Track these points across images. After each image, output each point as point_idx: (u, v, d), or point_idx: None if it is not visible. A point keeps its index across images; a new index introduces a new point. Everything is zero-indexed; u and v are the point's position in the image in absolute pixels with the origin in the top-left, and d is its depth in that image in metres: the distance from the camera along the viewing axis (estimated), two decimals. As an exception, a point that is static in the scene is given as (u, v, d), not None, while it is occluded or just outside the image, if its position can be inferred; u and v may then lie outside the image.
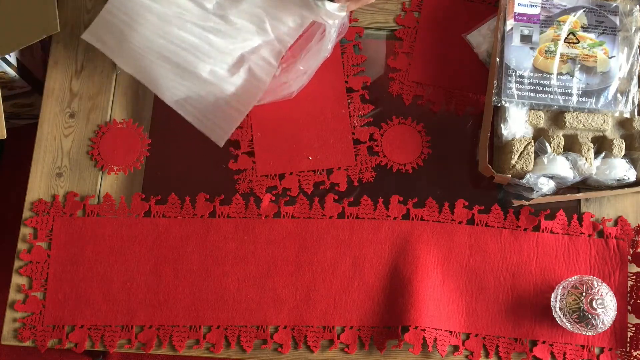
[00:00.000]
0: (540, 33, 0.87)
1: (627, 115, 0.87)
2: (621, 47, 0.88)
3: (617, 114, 0.87)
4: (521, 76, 0.86)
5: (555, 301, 0.81)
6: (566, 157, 0.84)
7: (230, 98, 0.83)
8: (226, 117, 0.83)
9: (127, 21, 0.80)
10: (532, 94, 0.86)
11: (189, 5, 0.80)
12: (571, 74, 0.87)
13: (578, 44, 0.88)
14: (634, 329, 0.83)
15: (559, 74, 0.86)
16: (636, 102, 0.87)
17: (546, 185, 0.83)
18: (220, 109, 0.83)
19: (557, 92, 0.86)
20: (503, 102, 0.85)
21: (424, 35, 0.93)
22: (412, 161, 0.89)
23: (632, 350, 0.82)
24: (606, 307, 0.77)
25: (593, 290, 0.78)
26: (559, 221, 0.86)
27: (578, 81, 0.86)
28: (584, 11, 0.89)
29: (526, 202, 0.84)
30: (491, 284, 0.84)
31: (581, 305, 0.78)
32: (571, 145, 0.86)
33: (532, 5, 0.88)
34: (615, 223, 0.87)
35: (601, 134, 0.87)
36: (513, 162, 0.83)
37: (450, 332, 0.82)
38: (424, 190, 0.88)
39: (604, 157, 0.86)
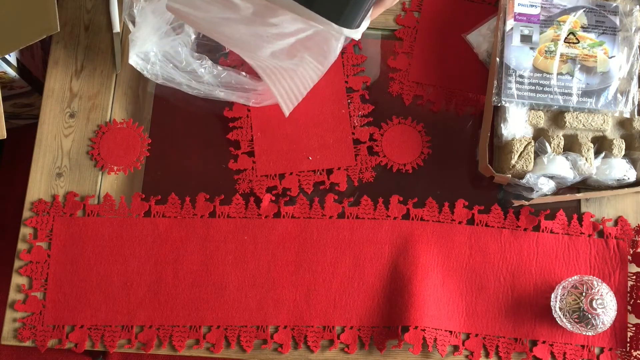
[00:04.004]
0: (540, 33, 0.87)
1: (627, 115, 0.87)
2: (621, 47, 0.88)
3: (617, 114, 0.87)
4: (521, 76, 0.86)
5: (555, 301, 0.81)
6: (566, 157, 0.84)
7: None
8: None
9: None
10: (532, 94, 0.86)
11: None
12: (571, 74, 0.87)
13: (578, 44, 0.88)
14: (634, 329, 0.83)
15: (559, 74, 0.86)
16: (636, 102, 0.87)
17: (546, 185, 0.83)
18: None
19: (557, 92, 0.86)
20: (503, 102, 0.85)
21: (424, 35, 0.93)
22: (412, 161, 0.89)
23: (632, 350, 0.82)
24: (606, 307, 0.77)
25: (593, 290, 0.78)
26: (559, 221, 0.86)
27: (578, 81, 0.86)
28: (584, 11, 0.89)
29: (526, 202, 0.84)
30: (491, 284, 0.84)
31: (581, 305, 0.78)
32: (571, 145, 0.86)
33: (532, 5, 0.88)
34: (615, 223, 0.87)
35: (601, 134, 0.87)
36: (513, 162, 0.83)
37: (450, 332, 0.82)
38: (424, 190, 0.88)
39: (604, 157, 0.86)
